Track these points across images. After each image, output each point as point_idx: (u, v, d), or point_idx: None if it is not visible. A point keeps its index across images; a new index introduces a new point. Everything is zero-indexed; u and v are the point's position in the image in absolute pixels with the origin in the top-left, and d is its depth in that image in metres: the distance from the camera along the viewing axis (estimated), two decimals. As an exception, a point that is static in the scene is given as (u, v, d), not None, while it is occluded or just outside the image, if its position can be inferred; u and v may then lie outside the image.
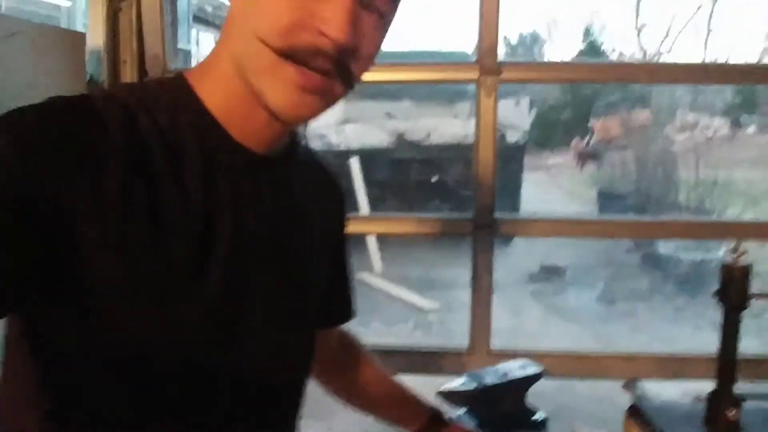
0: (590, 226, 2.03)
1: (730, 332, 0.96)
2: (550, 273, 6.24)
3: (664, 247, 6.21)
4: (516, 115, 7.45)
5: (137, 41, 1.75)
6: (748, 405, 0.98)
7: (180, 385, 0.62)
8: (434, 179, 7.85)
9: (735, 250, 0.95)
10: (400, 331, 4.66)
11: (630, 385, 1.44)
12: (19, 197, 0.51)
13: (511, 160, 7.07)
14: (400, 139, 7.42)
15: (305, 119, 0.62)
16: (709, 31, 15.66)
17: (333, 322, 0.93)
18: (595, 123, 12.84)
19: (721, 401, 0.96)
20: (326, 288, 0.82)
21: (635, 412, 1.02)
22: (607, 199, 8.25)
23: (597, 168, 11.71)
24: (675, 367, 1.82)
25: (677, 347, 4.48)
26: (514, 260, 6.18)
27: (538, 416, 1.40)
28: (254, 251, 0.66)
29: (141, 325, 0.58)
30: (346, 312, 0.94)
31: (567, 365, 1.79)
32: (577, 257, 6.62)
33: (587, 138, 13.11)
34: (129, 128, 0.59)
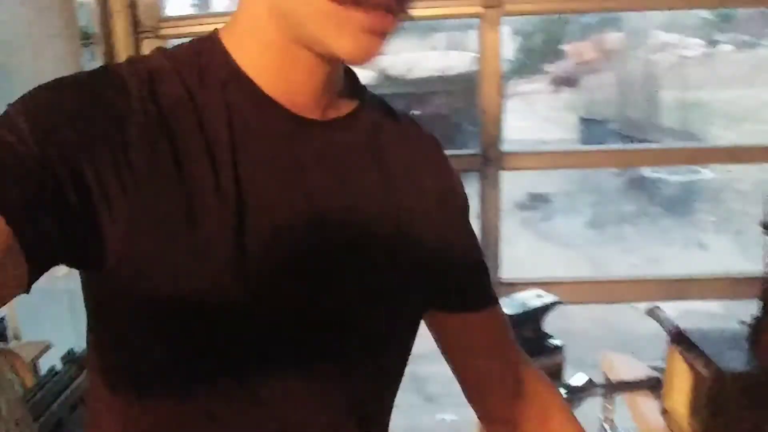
0: (584, 157, 2.03)
1: None
2: (537, 201, 6.31)
3: (649, 170, 6.28)
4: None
5: (128, -11, 1.67)
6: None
7: (226, 353, 0.59)
8: (417, 113, 7.82)
9: None
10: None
11: (653, 310, 1.49)
12: (42, 169, 0.50)
13: (494, 89, 7.02)
14: (382, 75, 7.33)
15: (373, 59, 0.58)
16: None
17: (456, 307, 0.75)
18: (569, 48, 12.75)
19: (765, 324, 0.98)
20: (437, 266, 0.70)
21: (679, 337, 1.03)
22: (588, 125, 8.28)
23: (573, 92, 11.69)
24: (677, 289, 1.88)
25: (666, 268, 4.62)
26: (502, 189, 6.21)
27: (555, 342, 1.46)
28: (294, 227, 0.60)
29: (172, 301, 0.56)
30: (473, 296, 0.76)
31: (577, 293, 1.84)
32: (563, 183, 6.67)
33: (561, 62, 13.03)
34: (154, 92, 0.57)
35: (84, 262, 0.55)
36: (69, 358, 1.67)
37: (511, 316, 1.37)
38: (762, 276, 1.02)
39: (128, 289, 0.56)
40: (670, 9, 1.89)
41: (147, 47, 1.74)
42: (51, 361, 1.93)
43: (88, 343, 0.65)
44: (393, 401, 0.73)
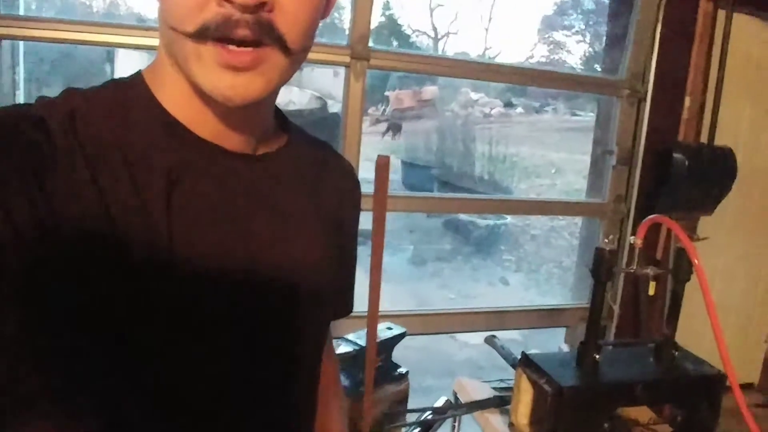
0: (404, 202, 2.10)
1: (598, 299, 1.22)
2: (363, 237, 6.56)
3: (463, 214, 6.90)
4: (335, 86, 7.62)
5: None
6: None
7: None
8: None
9: (606, 238, 1.21)
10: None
11: (490, 339, 1.72)
12: None
13: (334, 129, 7.19)
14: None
15: (253, 99, 0.56)
16: (490, 18, 17.16)
17: (333, 315, 0.83)
18: (391, 94, 13.55)
19: (589, 348, 1.21)
20: (329, 280, 0.74)
21: (526, 360, 1.23)
22: (410, 169, 8.81)
23: (394, 137, 12.36)
24: (496, 320, 2.13)
25: (477, 302, 5.11)
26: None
27: (401, 370, 1.57)
28: (226, 258, 0.60)
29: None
30: (345, 306, 0.87)
31: (417, 324, 2.01)
32: (388, 223, 7.02)
33: (383, 107, 13.79)
34: (76, 131, 0.55)
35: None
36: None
37: (363, 348, 1.47)
38: (588, 314, 1.25)
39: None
40: (475, 78, 2.16)
41: None
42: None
43: None
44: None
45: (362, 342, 1.50)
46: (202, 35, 0.53)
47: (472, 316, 2.17)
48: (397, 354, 1.59)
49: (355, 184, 0.83)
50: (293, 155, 0.70)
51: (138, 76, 0.62)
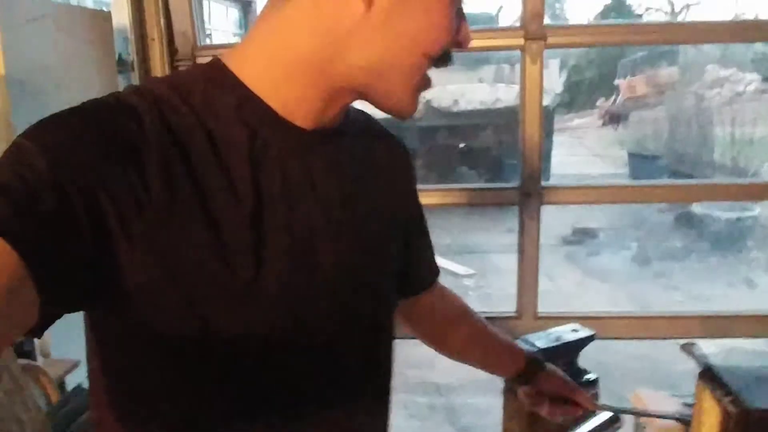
0: (630, 192, 2.06)
1: None
2: (583, 235, 6.24)
3: (698, 206, 6.16)
4: (547, 79, 7.33)
5: (164, 18, 1.72)
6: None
7: (252, 378, 0.60)
8: (462, 145, 7.83)
9: None
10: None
11: (688, 346, 1.50)
12: (59, 204, 0.49)
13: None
14: (428, 107, 7.38)
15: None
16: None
17: (417, 289, 0.89)
18: (622, 82, 12.58)
19: None
20: (405, 257, 0.79)
21: (708, 373, 1.05)
22: (638, 160, 8.16)
23: (622, 128, 11.49)
24: (719, 326, 1.86)
25: (711, 306, 4.51)
26: (546, 223, 6.16)
27: (590, 376, 1.46)
28: (311, 238, 0.62)
29: (193, 327, 0.56)
30: (429, 277, 0.91)
31: (613, 327, 1.84)
32: (610, 218, 6.59)
33: (613, 98, 12.87)
34: (165, 119, 0.57)
35: (96, 294, 0.54)
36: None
37: (545, 350, 1.39)
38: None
39: (143, 318, 0.56)
40: (724, 42, 1.88)
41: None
42: (79, 378, 1.98)
43: (90, 377, 0.65)
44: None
45: (542, 343, 1.43)
46: (433, 59, 0.63)
47: (683, 321, 1.93)
48: (610, 360, 1.48)
49: (408, 160, 0.83)
50: (354, 132, 0.72)
51: (216, 60, 0.64)
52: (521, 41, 1.65)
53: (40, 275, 0.46)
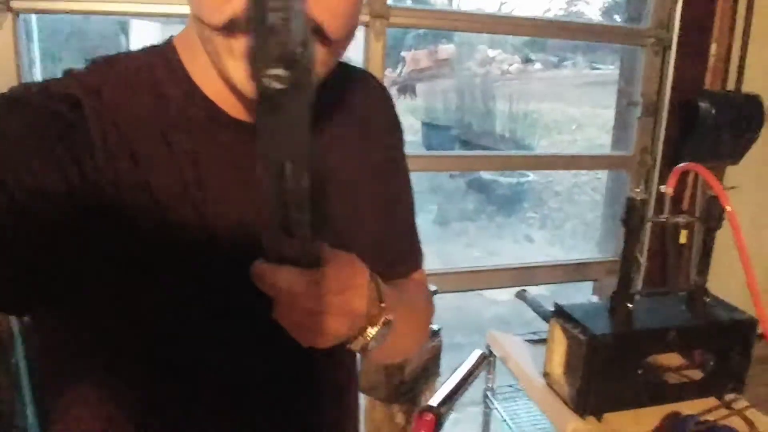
0: (425, 161, 2.07)
1: (629, 249, 1.23)
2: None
3: (486, 173, 6.88)
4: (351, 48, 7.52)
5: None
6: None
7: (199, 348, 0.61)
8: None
9: (636, 188, 1.21)
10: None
11: (521, 294, 1.75)
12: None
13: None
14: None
15: None
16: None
17: (397, 274, 0.81)
18: (407, 54, 13.35)
19: (622, 297, 1.23)
20: (379, 238, 0.74)
21: (559, 312, 1.26)
22: (430, 129, 8.75)
23: (415, 98, 12.22)
24: (529, 275, 2.15)
25: (503, 259, 5.13)
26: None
27: (433, 327, 1.58)
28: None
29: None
30: (408, 260, 0.84)
31: (447, 282, 2.04)
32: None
33: (399, 69, 13.60)
34: (107, 106, 0.55)
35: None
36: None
37: None
38: (620, 263, 1.26)
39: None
40: (490, 33, 2.11)
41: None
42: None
43: (41, 344, 0.64)
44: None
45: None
46: (231, 28, 0.50)
47: (500, 273, 2.20)
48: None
49: (387, 101, 0.79)
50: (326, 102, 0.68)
51: (170, 45, 0.61)
52: (366, 18, 1.70)
53: None
